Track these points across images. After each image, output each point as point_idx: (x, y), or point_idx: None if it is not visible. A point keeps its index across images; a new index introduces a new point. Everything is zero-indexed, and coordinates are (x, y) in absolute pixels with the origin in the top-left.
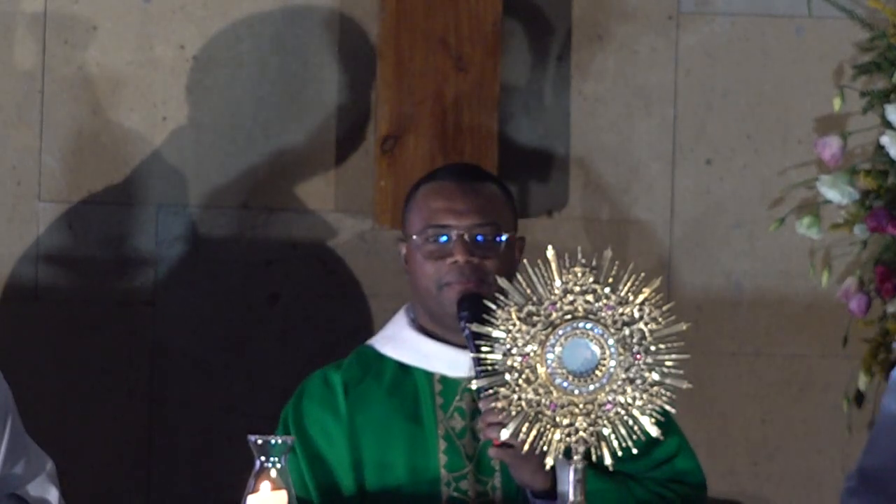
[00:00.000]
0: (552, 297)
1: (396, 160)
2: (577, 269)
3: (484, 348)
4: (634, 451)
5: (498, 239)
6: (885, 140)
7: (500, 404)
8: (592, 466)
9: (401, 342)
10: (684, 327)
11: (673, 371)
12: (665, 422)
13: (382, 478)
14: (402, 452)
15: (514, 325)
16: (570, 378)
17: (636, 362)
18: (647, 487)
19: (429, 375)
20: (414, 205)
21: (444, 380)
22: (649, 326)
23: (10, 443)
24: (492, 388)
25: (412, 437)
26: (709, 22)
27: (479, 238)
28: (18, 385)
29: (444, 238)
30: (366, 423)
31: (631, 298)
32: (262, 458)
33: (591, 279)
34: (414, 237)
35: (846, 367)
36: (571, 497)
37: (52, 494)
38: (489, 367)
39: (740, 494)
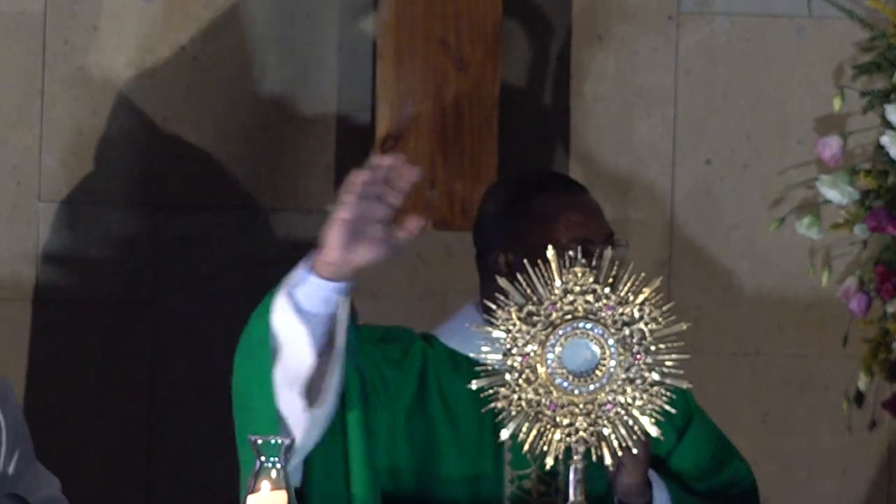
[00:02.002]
0: (552, 297)
1: None
2: (577, 269)
3: (484, 348)
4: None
5: (616, 248)
6: (885, 140)
7: (500, 404)
8: (686, 491)
9: (471, 337)
10: (684, 327)
11: (673, 371)
12: (727, 445)
13: (443, 465)
14: (469, 444)
15: (514, 325)
16: (570, 378)
17: (636, 362)
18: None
19: None
20: (538, 216)
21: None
22: (649, 326)
23: (17, 468)
24: (492, 388)
25: (479, 430)
26: (709, 22)
27: (611, 246)
28: (18, 385)
29: (585, 251)
30: (438, 403)
31: (631, 298)
32: (262, 458)
33: (591, 279)
34: (551, 248)
35: (846, 367)
36: (571, 497)
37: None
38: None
39: None
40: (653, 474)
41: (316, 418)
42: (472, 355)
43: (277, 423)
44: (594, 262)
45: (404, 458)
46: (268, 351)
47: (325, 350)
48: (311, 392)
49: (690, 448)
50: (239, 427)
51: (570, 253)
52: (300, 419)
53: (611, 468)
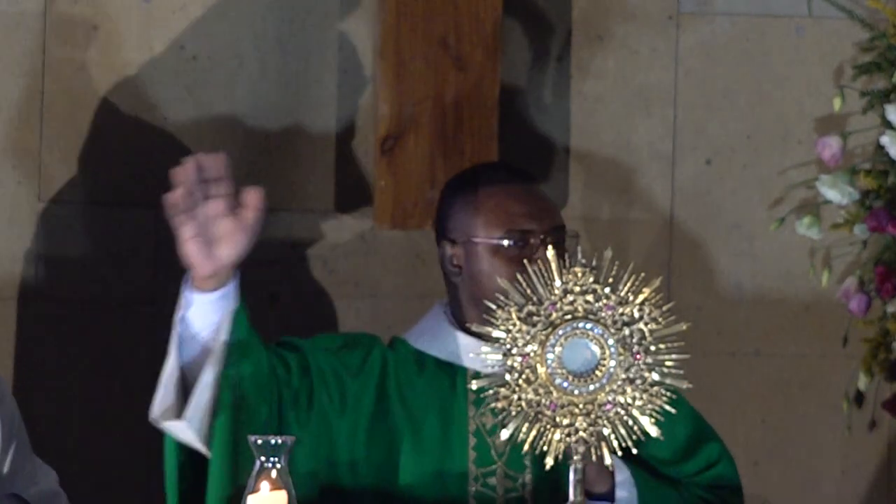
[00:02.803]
0: (552, 298)
1: (396, 160)
2: (577, 269)
3: (484, 348)
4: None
5: (567, 240)
6: (885, 140)
7: (500, 404)
8: (644, 469)
9: (437, 338)
10: (684, 327)
11: (673, 371)
12: (705, 427)
13: (406, 468)
14: (432, 445)
15: (514, 325)
16: (570, 378)
17: (636, 362)
18: (693, 493)
19: (462, 371)
20: (476, 206)
21: (478, 376)
22: (649, 326)
23: (14, 462)
24: (492, 388)
25: (443, 430)
26: (709, 22)
27: (560, 240)
28: (18, 385)
29: (523, 242)
30: (399, 408)
31: (631, 298)
32: (262, 458)
33: (591, 279)
34: (488, 240)
35: (846, 367)
36: (571, 497)
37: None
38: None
39: None
40: (616, 461)
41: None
42: (438, 356)
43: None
44: (537, 254)
45: (365, 454)
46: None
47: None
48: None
49: (663, 432)
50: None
51: (505, 243)
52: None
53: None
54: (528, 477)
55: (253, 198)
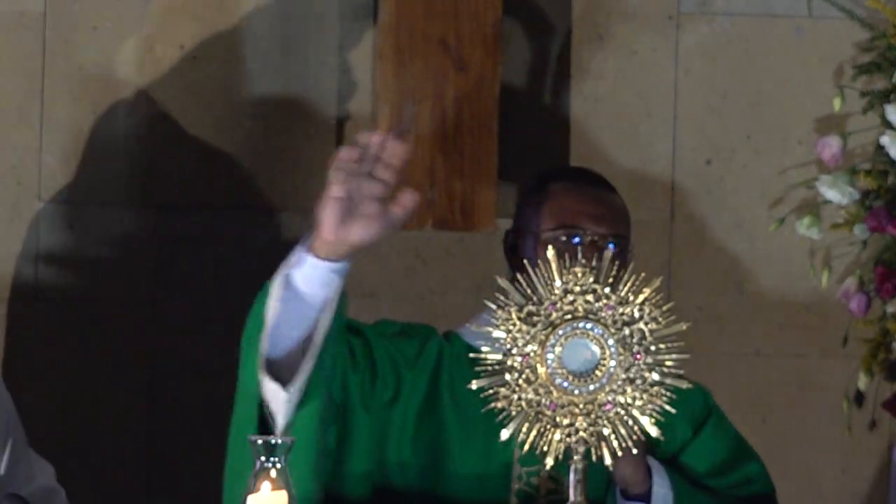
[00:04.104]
0: (552, 297)
1: None
2: (577, 269)
3: (484, 348)
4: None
5: (624, 252)
6: (885, 140)
7: (500, 404)
8: (689, 481)
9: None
10: (684, 327)
11: (673, 371)
12: (747, 447)
13: (452, 463)
14: (479, 441)
15: (514, 325)
16: (570, 378)
17: (636, 362)
18: (730, 502)
19: None
20: (543, 199)
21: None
22: (649, 326)
23: (11, 458)
24: (492, 388)
25: (491, 427)
26: (709, 22)
27: (611, 246)
28: (18, 385)
29: (577, 239)
30: (449, 402)
31: (631, 298)
32: (262, 458)
33: (591, 279)
34: (538, 231)
35: (846, 367)
36: (571, 497)
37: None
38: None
39: None
40: (654, 462)
41: (290, 403)
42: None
43: (257, 408)
44: (580, 255)
45: (413, 454)
46: (259, 336)
47: (309, 334)
48: (285, 373)
49: (704, 446)
50: (234, 422)
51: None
52: (280, 403)
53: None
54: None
55: (408, 199)
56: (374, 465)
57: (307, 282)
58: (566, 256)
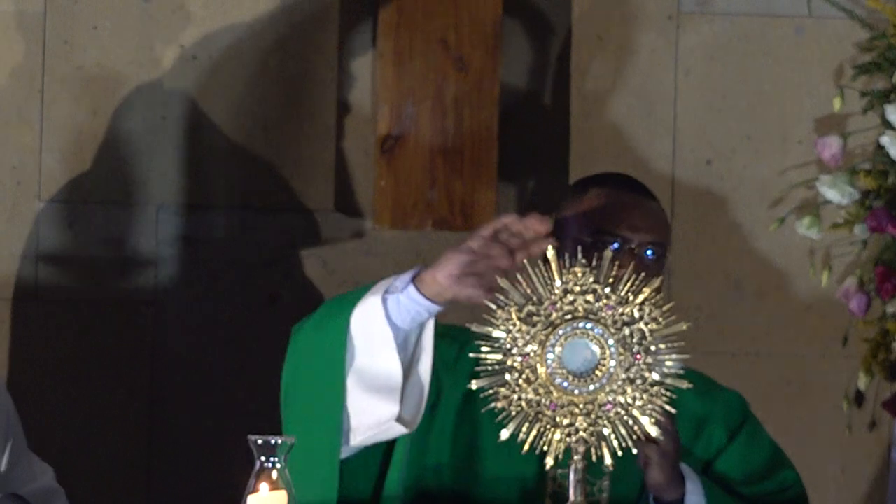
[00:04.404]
0: (552, 297)
1: (396, 160)
2: (577, 269)
3: (484, 348)
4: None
5: (661, 259)
6: (885, 140)
7: (500, 404)
8: (723, 488)
9: None
10: (684, 327)
11: (673, 371)
12: (783, 457)
13: (487, 466)
14: (514, 441)
15: (514, 325)
16: (570, 378)
17: (636, 362)
18: None
19: None
20: (583, 205)
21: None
22: (649, 326)
23: (11, 458)
24: (492, 388)
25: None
26: (709, 22)
27: (649, 253)
28: (18, 385)
29: (615, 246)
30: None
31: (631, 298)
32: (262, 458)
33: (591, 279)
34: (574, 235)
35: (846, 367)
36: (572, 497)
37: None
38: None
39: None
40: (686, 469)
41: (385, 423)
42: None
43: (341, 419)
44: (595, 259)
45: (449, 457)
46: (342, 348)
47: (405, 361)
48: (394, 395)
49: (739, 452)
50: (290, 419)
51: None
52: (368, 419)
53: (611, 467)
54: (605, 483)
55: (536, 247)
56: (415, 469)
57: (400, 311)
58: (566, 256)
